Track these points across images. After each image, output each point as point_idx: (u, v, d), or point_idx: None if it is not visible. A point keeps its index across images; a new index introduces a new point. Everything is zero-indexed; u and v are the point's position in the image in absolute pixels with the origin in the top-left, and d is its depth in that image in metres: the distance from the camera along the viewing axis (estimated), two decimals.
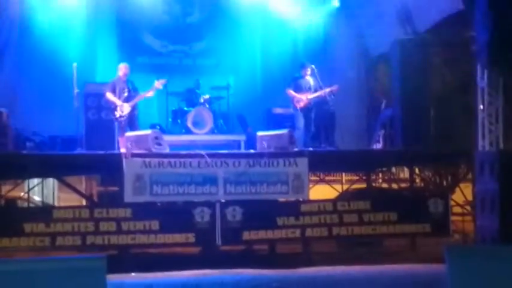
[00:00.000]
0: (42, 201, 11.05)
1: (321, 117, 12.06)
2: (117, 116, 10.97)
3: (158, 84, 11.14)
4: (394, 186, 12.39)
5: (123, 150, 10.34)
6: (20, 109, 12.18)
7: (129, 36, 13.77)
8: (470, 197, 10.80)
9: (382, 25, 12.89)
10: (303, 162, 9.86)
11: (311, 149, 10.99)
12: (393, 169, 12.47)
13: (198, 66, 13.96)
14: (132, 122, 11.09)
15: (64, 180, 10.30)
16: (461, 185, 11.17)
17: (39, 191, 11.09)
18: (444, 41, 10.96)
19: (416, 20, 12.22)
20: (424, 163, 11.24)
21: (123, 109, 10.95)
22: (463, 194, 11.07)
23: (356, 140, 12.73)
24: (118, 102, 10.97)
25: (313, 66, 11.73)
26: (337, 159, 10.82)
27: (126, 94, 11.04)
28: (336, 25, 13.80)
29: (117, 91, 11.05)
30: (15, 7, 12.84)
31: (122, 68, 11.25)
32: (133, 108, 11.12)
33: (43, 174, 10.26)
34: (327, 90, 11.49)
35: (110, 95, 11.07)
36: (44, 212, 9.55)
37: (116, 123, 11.10)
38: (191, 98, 12.98)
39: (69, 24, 13.24)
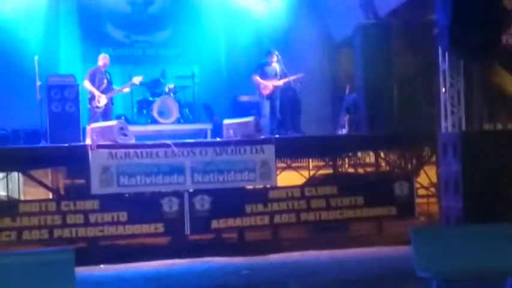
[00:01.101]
0: (8, 196, 10.92)
1: (286, 104, 12.13)
2: (94, 106, 10.96)
3: (136, 80, 11.21)
4: (360, 170, 12.53)
5: (88, 141, 10.29)
6: None
7: (92, 27, 13.58)
8: (434, 179, 10.98)
9: (344, 10, 12.95)
10: (270, 149, 9.92)
11: (277, 136, 11.05)
12: (359, 154, 12.60)
13: (162, 56, 13.84)
14: (106, 114, 11.10)
15: (29, 173, 10.20)
16: (426, 167, 11.35)
17: (3, 185, 10.96)
18: (406, 24, 11.07)
19: (377, 4, 12.32)
20: (388, 147, 11.37)
21: (101, 100, 10.95)
22: (427, 176, 11.25)
23: (322, 126, 12.81)
24: (96, 92, 10.96)
25: (277, 52, 11.78)
26: (303, 145, 10.89)
27: (104, 85, 11.05)
28: (299, 12, 13.81)
29: (96, 81, 11.04)
30: None
31: (103, 58, 11.25)
32: (110, 101, 11.13)
33: (7, 168, 10.15)
34: (293, 77, 11.56)
35: (87, 84, 11.06)
36: (10, 206, 9.47)
37: (90, 113, 11.03)
38: (156, 88, 12.89)
39: (30, 16, 12.98)
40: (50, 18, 13.21)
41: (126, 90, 11.38)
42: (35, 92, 10.85)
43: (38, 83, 10.79)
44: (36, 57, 10.95)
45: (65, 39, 13.47)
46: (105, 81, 11.14)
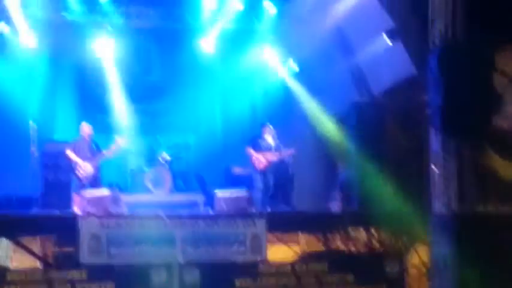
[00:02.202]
0: None
1: (279, 177, 12.17)
2: (78, 175, 10.95)
3: (120, 141, 11.21)
4: (351, 247, 12.45)
5: (78, 209, 10.27)
6: None
7: (89, 93, 13.74)
8: (425, 258, 10.92)
9: (337, 87, 13.16)
10: (261, 223, 9.92)
11: (269, 210, 11.06)
12: (350, 230, 12.55)
13: (157, 125, 13.96)
14: (94, 182, 11.08)
15: (18, 240, 10.10)
16: (417, 247, 11.29)
17: None
18: (399, 104, 11.24)
19: (371, 82, 12.53)
20: (380, 224, 11.36)
21: (86, 168, 10.94)
22: (418, 255, 11.18)
23: (314, 201, 12.81)
24: (79, 161, 10.97)
25: (272, 126, 11.91)
26: (295, 220, 10.89)
27: (88, 153, 11.07)
28: (294, 87, 14.03)
29: (79, 150, 11.06)
30: None
31: (84, 128, 11.29)
32: (96, 169, 11.13)
33: None
34: (286, 152, 11.67)
35: (70, 153, 11.06)
36: None
37: (76, 182, 11.04)
38: (150, 157, 12.97)
39: (27, 80, 13.15)
40: (47, 83, 13.35)
41: (111, 153, 11.33)
42: (29, 157, 10.88)
43: (33, 149, 10.83)
44: (31, 122, 11.02)
45: (61, 105, 13.59)
46: (89, 149, 11.16)
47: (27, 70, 13.13)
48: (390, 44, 11.23)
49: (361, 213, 10.81)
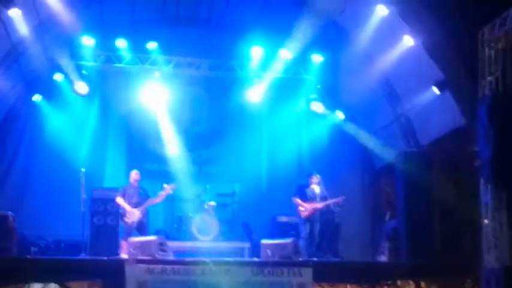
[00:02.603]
0: None
1: (325, 227, 12.07)
2: (126, 221, 11.07)
3: (168, 188, 11.34)
4: None
5: (125, 255, 10.34)
6: (26, 212, 12.21)
7: (138, 143, 13.96)
8: None
9: (385, 136, 13.13)
10: (308, 273, 9.82)
11: (315, 259, 10.95)
12: (398, 282, 12.30)
13: (204, 173, 14.05)
14: (141, 228, 11.18)
15: (66, 285, 10.20)
16: None
17: None
18: (447, 155, 11.12)
19: (419, 133, 12.46)
20: (430, 277, 11.12)
21: (133, 215, 11.07)
22: None
23: (361, 251, 12.66)
24: (127, 207, 11.10)
25: (318, 175, 11.89)
26: (341, 270, 10.73)
27: (136, 200, 11.20)
28: (340, 136, 14.04)
29: (127, 197, 11.21)
30: (28, 111, 13.16)
31: (132, 175, 11.46)
32: (144, 215, 11.24)
33: (45, 279, 10.16)
34: (333, 201, 11.61)
35: (120, 200, 11.22)
36: None
37: (123, 228, 11.16)
38: (197, 204, 13.05)
39: (79, 129, 13.49)
40: (98, 132, 13.65)
41: (160, 200, 11.45)
42: (79, 203, 11.06)
43: (83, 196, 11.02)
44: (83, 170, 11.24)
45: (111, 153, 13.85)
46: (137, 196, 11.30)
47: (78, 118, 13.47)
48: (439, 93, 11.17)
49: (410, 265, 10.60)
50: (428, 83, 11.35)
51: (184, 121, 14.07)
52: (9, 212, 10.83)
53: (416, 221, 10.88)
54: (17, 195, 12.57)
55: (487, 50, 9.52)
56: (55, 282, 10.40)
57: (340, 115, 14.04)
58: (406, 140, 12.56)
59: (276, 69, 13.63)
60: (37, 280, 10.26)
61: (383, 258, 11.63)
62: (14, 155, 12.81)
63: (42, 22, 11.46)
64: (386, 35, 11.44)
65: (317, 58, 13.47)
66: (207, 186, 13.29)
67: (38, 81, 13.02)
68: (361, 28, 11.70)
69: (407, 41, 11.24)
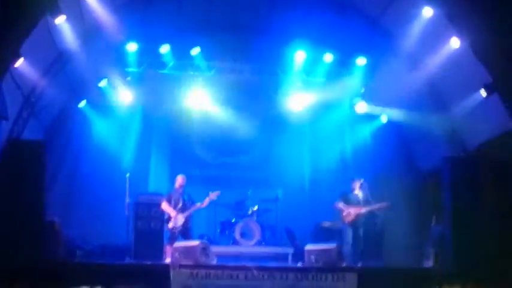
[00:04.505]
0: None
1: (369, 232, 11.94)
2: (171, 226, 11.13)
3: (213, 195, 11.38)
4: None
5: (169, 260, 10.41)
6: (72, 217, 12.42)
7: (181, 149, 14.05)
8: None
9: (430, 141, 12.94)
10: (352, 278, 9.77)
11: (360, 264, 10.84)
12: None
13: (247, 179, 14.06)
14: (186, 233, 11.23)
15: None
16: None
17: None
18: (494, 160, 10.89)
19: (465, 136, 12.23)
20: (477, 283, 10.91)
21: (178, 220, 11.12)
22: None
23: (405, 257, 12.47)
24: (172, 212, 11.15)
25: (362, 180, 11.78)
26: (386, 276, 10.60)
27: (180, 205, 11.24)
28: (384, 140, 13.90)
29: (173, 202, 11.26)
30: (74, 117, 13.37)
31: (179, 179, 11.52)
32: (188, 220, 11.27)
33: (91, 282, 10.30)
34: (377, 206, 11.48)
35: (165, 206, 11.28)
36: None
37: (168, 233, 11.22)
38: (239, 210, 13.07)
39: (123, 135, 13.64)
40: (142, 138, 13.78)
41: (204, 205, 11.48)
42: (123, 208, 11.17)
43: (127, 200, 11.12)
44: (128, 175, 11.34)
45: (155, 158, 13.96)
46: (181, 201, 11.34)
47: (123, 123, 13.63)
48: (486, 97, 10.96)
49: (457, 271, 10.40)
50: (475, 86, 11.13)
51: (226, 127, 14.07)
52: (56, 217, 11.00)
53: (463, 226, 10.68)
54: (63, 200, 12.76)
55: None
56: (101, 285, 10.55)
57: (384, 118, 13.90)
58: (452, 144, 12.35)
59: (320, 73, 13.58)
60: (83, 283, 10.43)
61: (428, 263, 11.45)
62: (60, 161, 13.01)
63: (88, 30, 11.64)
64: (432, 37, 11.27)
65: (361, 61, 13.37)
66: (250, 191, 13.28)
67: (83, 87, 13.21)
68: (406, 30, 11.56)
69: (454, 43, 11.05)
